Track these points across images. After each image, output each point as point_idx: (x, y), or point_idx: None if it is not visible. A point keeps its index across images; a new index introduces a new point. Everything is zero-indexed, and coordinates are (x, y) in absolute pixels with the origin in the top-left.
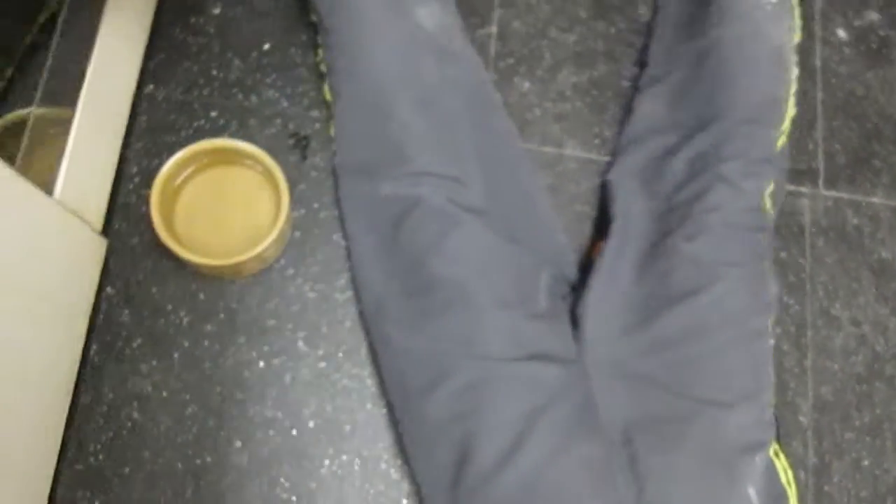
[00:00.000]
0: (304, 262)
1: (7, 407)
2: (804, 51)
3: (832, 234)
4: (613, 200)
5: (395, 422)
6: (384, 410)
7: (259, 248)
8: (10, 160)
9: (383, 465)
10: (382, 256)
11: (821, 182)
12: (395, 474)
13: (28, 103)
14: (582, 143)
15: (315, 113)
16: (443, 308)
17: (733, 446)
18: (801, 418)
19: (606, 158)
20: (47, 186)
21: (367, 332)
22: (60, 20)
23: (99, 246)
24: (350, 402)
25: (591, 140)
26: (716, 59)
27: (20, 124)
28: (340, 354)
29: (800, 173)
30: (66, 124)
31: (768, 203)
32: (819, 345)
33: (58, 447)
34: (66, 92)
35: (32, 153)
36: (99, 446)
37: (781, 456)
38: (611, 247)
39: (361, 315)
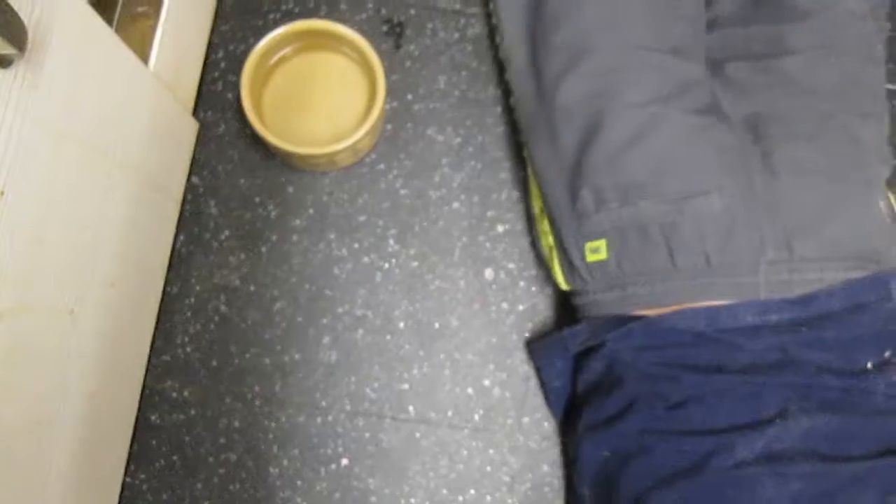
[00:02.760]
0: (397, 156)
1: (104, 286)
2: None
3: None
4: None
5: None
6: (478, 314)
7: (352, 139)
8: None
9: (474, 370)
10: None
11: None
12: (486, 381)
13: None
14: None
15: None
16: None
17: (867, 152)
18: None
19: None
20: (143, 57)
21: (509, 45)
22: None
23: (191, 127)
24: (441, 305)
25: None
26: None
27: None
28: (433, 255)
29: None
30: (156, 2)
31: None
32: None
33: (151, 333)
34: None
35: (124, 27)
36: (187, 338)
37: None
38: None
39: (504, 29)
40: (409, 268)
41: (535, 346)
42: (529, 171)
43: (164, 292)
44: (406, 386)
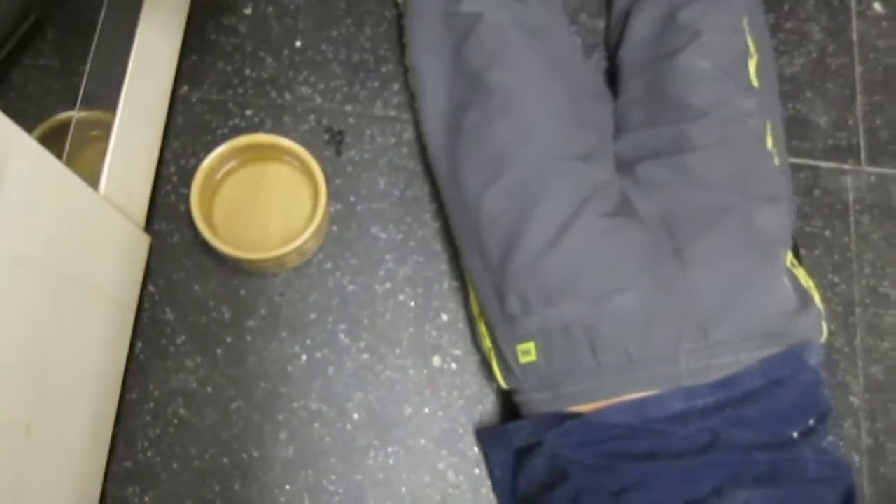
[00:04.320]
0: (343, 255)
1: (61, 400)
2: (840, 26)
3: (877, 211)
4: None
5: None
6: (429, 400)
7: (298, 242)
8: (57, 157)
9: (430, 457)
10: (446, 77)
11: (863, 158)
12: (441, 465)
13: (70, 106)
14: None
15: (349, 108)
16: (501, 111)
17: (768, 236)
18: (853, 399)
19: None
20: (92, 183)
21: (433, 158)
22: (99, 23)
23: (142, 242)
24: (393, 394)
25: None
26: None
27: (63, 127)
28: (382, 346)
29: (840, 150)
30: (107, 126)
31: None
32: (868, 323)
33: (108, 442)
34: (106, 94)
35: (76, 153)
36: (147, 443)
37: (798, 266)
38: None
39: (427, 144)
40: (361, 360)
41: (483, 435)
42: (466, 274)
43: (123, 398)
44: (361, 476)
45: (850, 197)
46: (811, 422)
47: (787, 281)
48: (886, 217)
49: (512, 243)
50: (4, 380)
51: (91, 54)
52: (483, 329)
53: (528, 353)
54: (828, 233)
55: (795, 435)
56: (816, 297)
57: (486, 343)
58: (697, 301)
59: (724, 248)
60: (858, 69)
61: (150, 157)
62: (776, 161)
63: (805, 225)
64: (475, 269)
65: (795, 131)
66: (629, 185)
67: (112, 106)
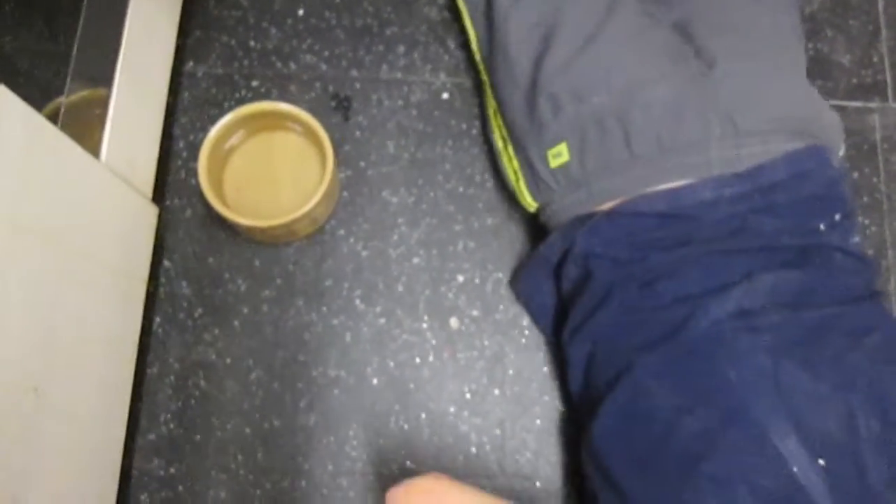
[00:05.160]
0: (355, 221)
1: (68, 364)
2: None
3: None
4: None
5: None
6: (447, 363)
7: (307, 207)
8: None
9: (450, 418)
10: None
11: (890, 95)
12: (462, 426)
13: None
14: None
15: (354, 73)
16: None
17: (787, 35)
18: None
19: None
20: (93, 152)
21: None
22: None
23: (149, 212)
24: (412, 357)
25: None
26: None
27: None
28: (398, 310)
29: (866, 88)
30: (105, 101)
31: None
32: None
33: (125, 411)
34: (100, 68)
35: (79, 129)
36: (169, 416)
37: None
38: None
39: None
40: (377, 325)
41: (519, 278)
42: (490, 111)
43: (144, 373)
44: (382, 441)
45: (878, 136)
46: (837, 216)
47: (808, 83)
48: None
49: (543, 51)
50: (9, 342)
51: (80, 28)
52: (508, 154)
53: (559, 155)
54: (856, 174)
55: (822, 227)
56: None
57: (513, 166)
58: (725, 92)
59: (747, 46)
60: (881, 3)
61: (153, 128)
62: None
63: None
64: (503, 88)
65: (817, 72)
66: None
67: (108, 79)
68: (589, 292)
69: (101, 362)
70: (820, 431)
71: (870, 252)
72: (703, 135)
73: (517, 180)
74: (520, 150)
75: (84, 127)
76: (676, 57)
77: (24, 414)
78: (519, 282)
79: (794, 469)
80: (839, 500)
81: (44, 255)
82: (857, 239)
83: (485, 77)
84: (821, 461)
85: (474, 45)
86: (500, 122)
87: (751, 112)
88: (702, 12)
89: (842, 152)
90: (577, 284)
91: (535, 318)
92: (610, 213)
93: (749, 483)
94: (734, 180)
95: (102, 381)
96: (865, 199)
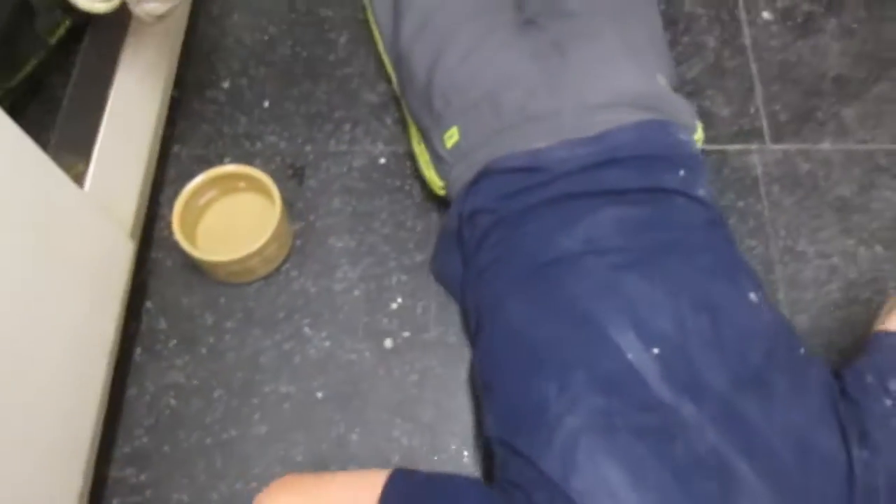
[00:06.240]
0: (306, 263)
1: (32, 387)
2: (733, 35)
3: (786, 181)
4: None
5: None
6: (383, 378)
7: (258, 245)
8: None
9: (385, 426)
10: None
11: (767, 138)
12: (395, 431)
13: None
14: None
15: (308, 148)
16: None
17: (647, 41)
18: None
19: None
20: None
21: (387, 43)
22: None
23: (126, 245)
24: (352, 374)
25: None
26: None
27: None
28: (341, 335)
29: (745, 134)
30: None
31: None
32: (789, 279)
33: (90, 428)
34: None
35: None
36: (143, 430)
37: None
38: None
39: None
40: (323, 348)
41: (434, 263)
42: (409, 121)
43: (124, 395)
44: (325, 446)
45: (759, 171)
46: (681, 172)
47: (662, 79)
48: (796, 185)
49: (434, 65)
50: None
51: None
52: (420, 150)
53: (452, 137)
54: (741, 204)
55: (666, 178)
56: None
57: (424, 158)
58: (577, 75)
59: (600, 46)
60: (754, 66)
61: (138, 168)
62: None
63: (719, 199)
64: (410, 97)
65: (703, 122)
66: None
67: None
68: (473, 240)
69: (72, 381)
70: (655, 327)
71: (759, 269)
72: (557, 107)
73: (427, 168)
74: (427, 141)
75: (72, 151)
76: (540, 58)
77: None
78: (433, 261)
79: (629, 356)
80: (671, 381)
81: (16, 256)
82: (702, 192)
83: (402, 95)
84: (655, 350)
85: (391, 71)
86: (414, 130)
87: (597, 89)
88: (571, 32)
89: (697, 135)
90: (471, 244)
91: (449, 289)
92: (484, 172)
93: (586, 368)
94: (585, 142)
95: (67, 391)
96: (751, 223)
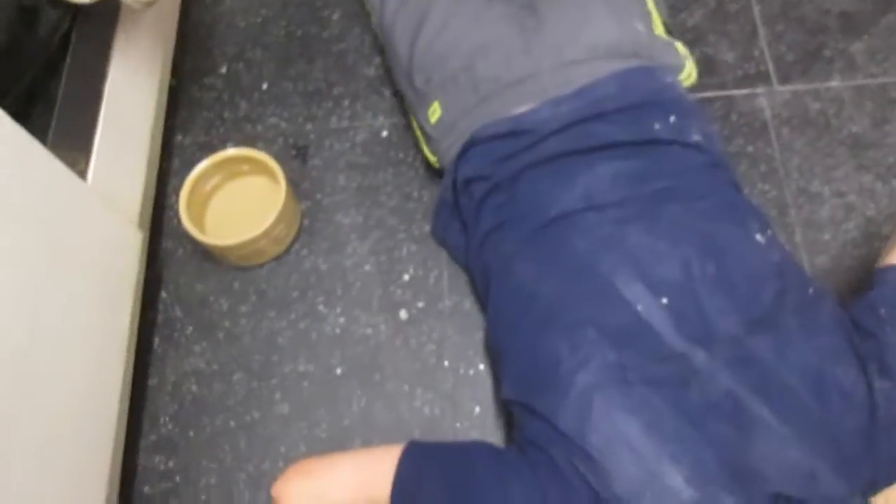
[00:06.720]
0: (315, 241)
1: (53, 366)
2: None
3: (796, 122)
4: None
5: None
6: (400, 349)
7: (266, 226)
8: None
9: (405, 396)
10: None
11: (774, 80)
12: (416, 402)
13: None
14: None
15: (309, 126)
16: None
17: None
18: None
19: None
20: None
21: (378, 25)
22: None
23: (135, 237)
24: (369, 348)
25: None
26: None
27: None
28: (355, 310)
29: (751, 77)
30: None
31: None
32: (805, 220)
33: (113, 420)
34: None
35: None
36: (167, 418)
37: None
38: None
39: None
40: (338, 324)
41: (434, 229)
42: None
43: (146, 385)
44: (347, 422)
45: (768, 114)
46: (672, 118)
47: (640, 25)
48: (806, 125)
49: (414, 40)
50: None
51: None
52: (415, 124)
53: (435, 112)
54: (750, 148)
55: (657, 126)
56: (679, 46)
57: (418, 134)
58: (550, 34)
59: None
60: (756, 7)
61: (140, 159)
62: None
63: (727, 146)
64: (398, 77)
65: (704, 71)
66: None
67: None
68: (473, 210)
69: (89, 367)
70: (662, 277)
71: (773, 213)
72: (534, 69)
73: (422, 142)
74: (415, 118)
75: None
76: (514, 22)
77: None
78: (433, 228)
79: (639, 307)
80: (682, 330)
81: (27, 267)
82: (697, 137)
83: (394, 76)
84: (664, 300)
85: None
86: (406, 104)
87: (573, 44)
88: None
89: (685, 73)
90: (469, 212)
91: (453, 256)
92: (471, 143)
93: (596, 324)
94: (567, 99)
95: (93, 387)
96: (763, 168)
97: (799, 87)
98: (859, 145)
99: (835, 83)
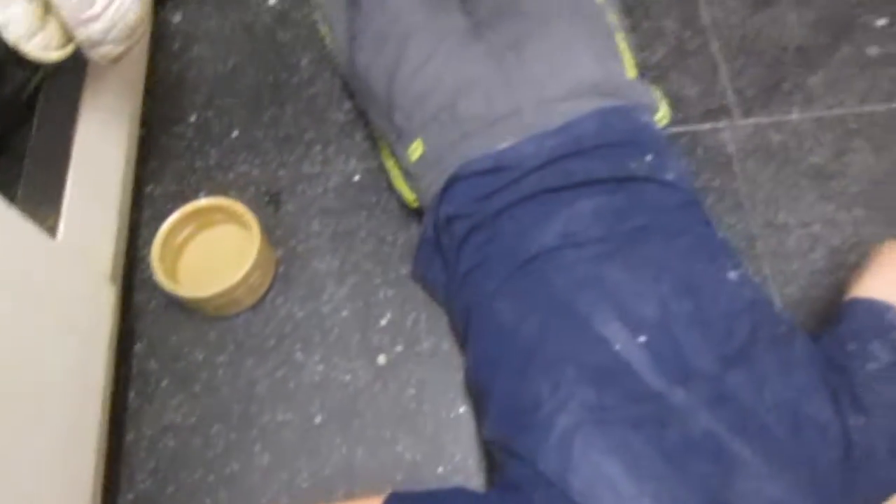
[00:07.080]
0: (291, 289)
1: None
2: (690, 15)
3: (760, 155)
4: None
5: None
6: (379, 395)
7: (240, 276)
8: None
9: (388, 443)
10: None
11: (736, 114)
12: (397, 447)
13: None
14: None
15: (281, 173)
16: (377, 7)
17: (599, 28)
18: None
19: None
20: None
21: (344, 66)
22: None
23: (107, 291)
24: (348, 395)
25: None
26: None
27: None
28: (333, 357)
29: (714, 112)
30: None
31: None
32: (772, 252)
33: (91, 484)
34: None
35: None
36: (145, 475)
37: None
38: None
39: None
40: (317, 371)
41: (415, 267)
42: (378, 140)
43: (123, 441)
44: (329, 471)
45: (732, 148)
46: (648, 157)
47: (617, 65)
48: (770, 158)
49: (391, 80)
50: None
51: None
52: (390, 166)
53: (416, 150)
54: (716, 182)
55: (633, 165)
56: (655, 91)
57: (395, 173)
58: (532, 70)
59: (549, 42)
60: (716, 44)
61: (111, 215)
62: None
63: (693, 181)
64: (374, 115)
65: (671, 105)
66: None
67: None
68: (455, 248)
69: (63, 423)
70: (639, 316)
71: (741, 245)
72: (516, 105)
73: (400, 183)
74: (394, 156)
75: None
76: (494, 60)
77: None
78: (414, 267)
79: (617, 347)
80: (660, 368)
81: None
82: (671, 176)
83: (367, 114)
84: (642, 338)
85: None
86: (383, 146)
87: (554, 81)
88: (523, 30)
89: (660, 115)
90: (451, 250)
91: (433, 294)
92: (454, 179)
93: (576, 363)
94: (549, 135)
95: (62, 444)
96: (728, 201)
97: (761, 119)
98: (821, 176)
99: (795, 115)
